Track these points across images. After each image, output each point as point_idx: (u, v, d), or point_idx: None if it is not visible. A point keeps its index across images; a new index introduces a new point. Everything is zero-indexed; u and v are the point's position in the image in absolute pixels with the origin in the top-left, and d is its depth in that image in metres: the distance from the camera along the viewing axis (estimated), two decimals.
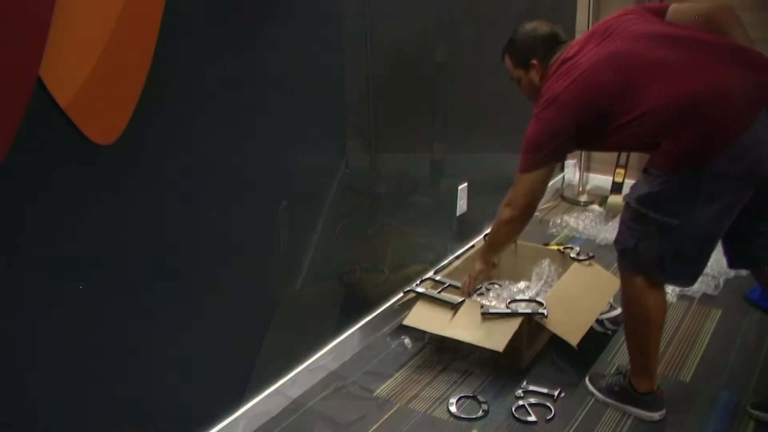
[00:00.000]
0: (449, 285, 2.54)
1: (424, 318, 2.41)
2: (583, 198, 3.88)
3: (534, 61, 2.18)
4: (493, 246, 2.42)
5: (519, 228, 2.28)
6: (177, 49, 1.65)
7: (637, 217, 1.95)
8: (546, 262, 2.69)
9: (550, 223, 3.58)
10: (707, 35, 1.93)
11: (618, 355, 2.47)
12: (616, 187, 3.75)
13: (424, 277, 2.63)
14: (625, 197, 2.01)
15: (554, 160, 2.12)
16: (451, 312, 2.37)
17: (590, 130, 1.98)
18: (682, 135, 1.83)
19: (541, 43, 2.19)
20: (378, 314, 2.63)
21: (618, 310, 2.61)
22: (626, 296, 2.07)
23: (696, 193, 1.84)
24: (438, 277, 2.62)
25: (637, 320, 2.07)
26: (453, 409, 2.21)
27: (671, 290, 2.82)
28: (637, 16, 2.04)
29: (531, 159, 2.08)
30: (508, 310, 2.31)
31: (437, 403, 2.25)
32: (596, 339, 2.54)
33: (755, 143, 1.80)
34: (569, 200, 3.90)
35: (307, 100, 2.12)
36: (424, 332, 2.50)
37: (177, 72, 1.67)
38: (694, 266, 1.99)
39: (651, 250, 1.95)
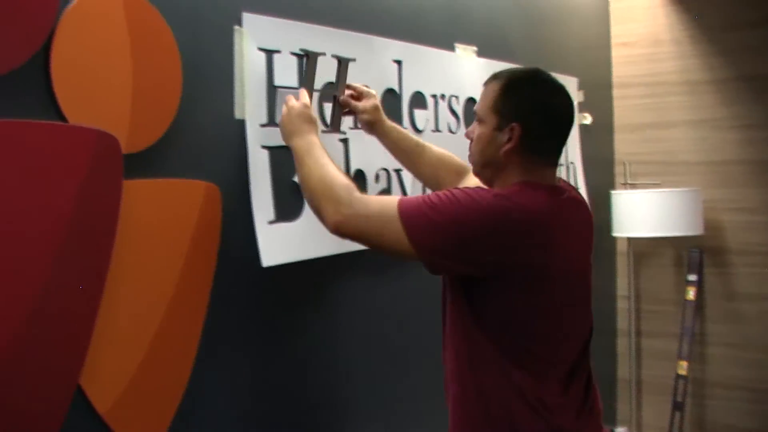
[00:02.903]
0: None
1: None
2: None
3: (515, 126, 1.49)
4: (298, 149, 1.60)
5: (316, 208, 1.53)
6: (217, 356, 1.67)
7: None
8: None
9: None
10: None
11: None
12: None
13: None
14: None
15: (431, 262, 1.46)
16: None
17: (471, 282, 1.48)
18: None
19: (547, 121, 1.53)
20: None
21: None
22: None
23: None
24: None
25: None
26: None
27: None
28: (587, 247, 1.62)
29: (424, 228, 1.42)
30: None
31: None
32: None
33: None
34: None
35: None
36: None
37: (215, 382, 1.67)
38: None
39: None
